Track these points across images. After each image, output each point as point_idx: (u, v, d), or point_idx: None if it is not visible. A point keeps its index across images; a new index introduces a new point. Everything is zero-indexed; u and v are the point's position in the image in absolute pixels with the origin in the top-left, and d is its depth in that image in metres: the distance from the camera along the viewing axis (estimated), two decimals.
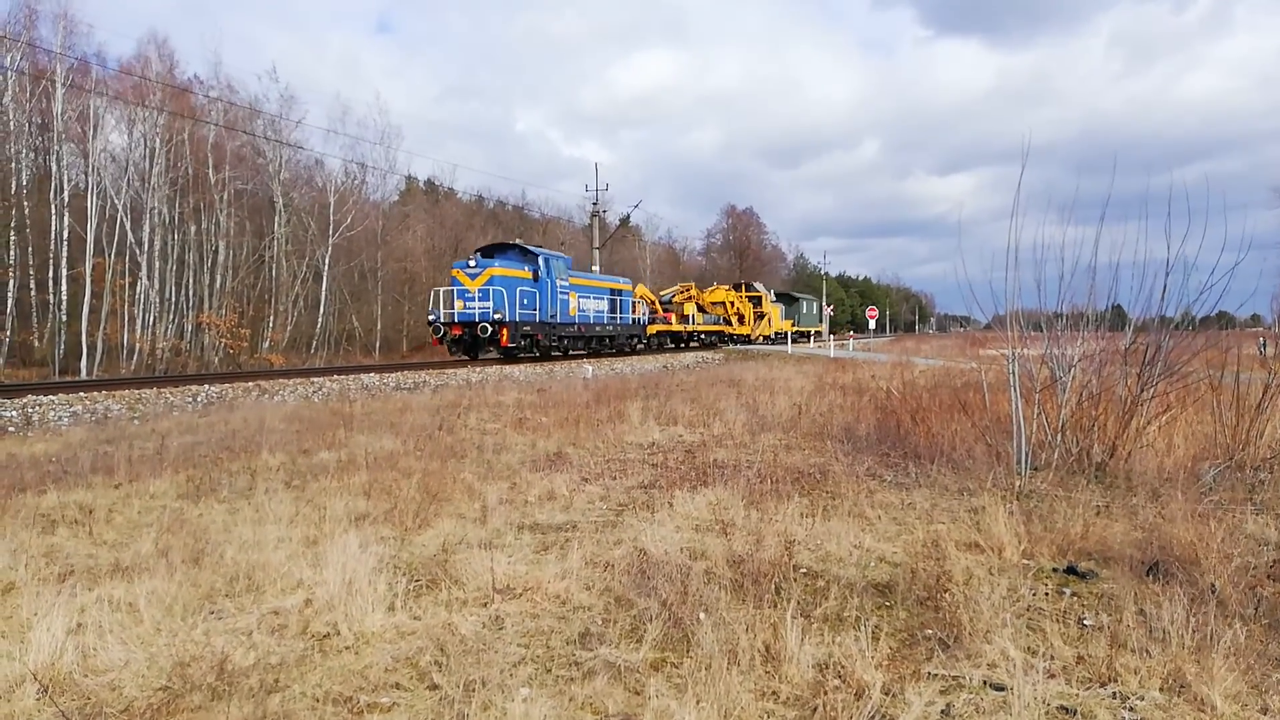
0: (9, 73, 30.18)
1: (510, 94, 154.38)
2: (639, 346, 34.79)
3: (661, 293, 43.22)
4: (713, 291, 46.41)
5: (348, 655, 3.34)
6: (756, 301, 49.17)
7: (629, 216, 62.01)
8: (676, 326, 39.67)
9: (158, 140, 33.34)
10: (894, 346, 43.24)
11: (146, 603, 3.79)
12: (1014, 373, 7.09)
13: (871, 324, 59.75)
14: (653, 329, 36.92)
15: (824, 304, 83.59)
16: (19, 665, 3.11)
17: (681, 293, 42.90)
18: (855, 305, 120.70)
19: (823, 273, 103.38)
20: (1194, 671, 3.01)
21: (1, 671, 3.11)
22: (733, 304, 46.23)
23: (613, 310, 31.90)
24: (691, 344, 41.68)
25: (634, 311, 34.20)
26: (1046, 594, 4.05)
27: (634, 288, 37.24)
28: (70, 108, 31.51)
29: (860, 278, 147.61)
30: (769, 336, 50.21)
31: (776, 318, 52.15)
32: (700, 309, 42.88)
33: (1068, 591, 4.08)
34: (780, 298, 58.08)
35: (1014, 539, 4.71)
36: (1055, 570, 4.41)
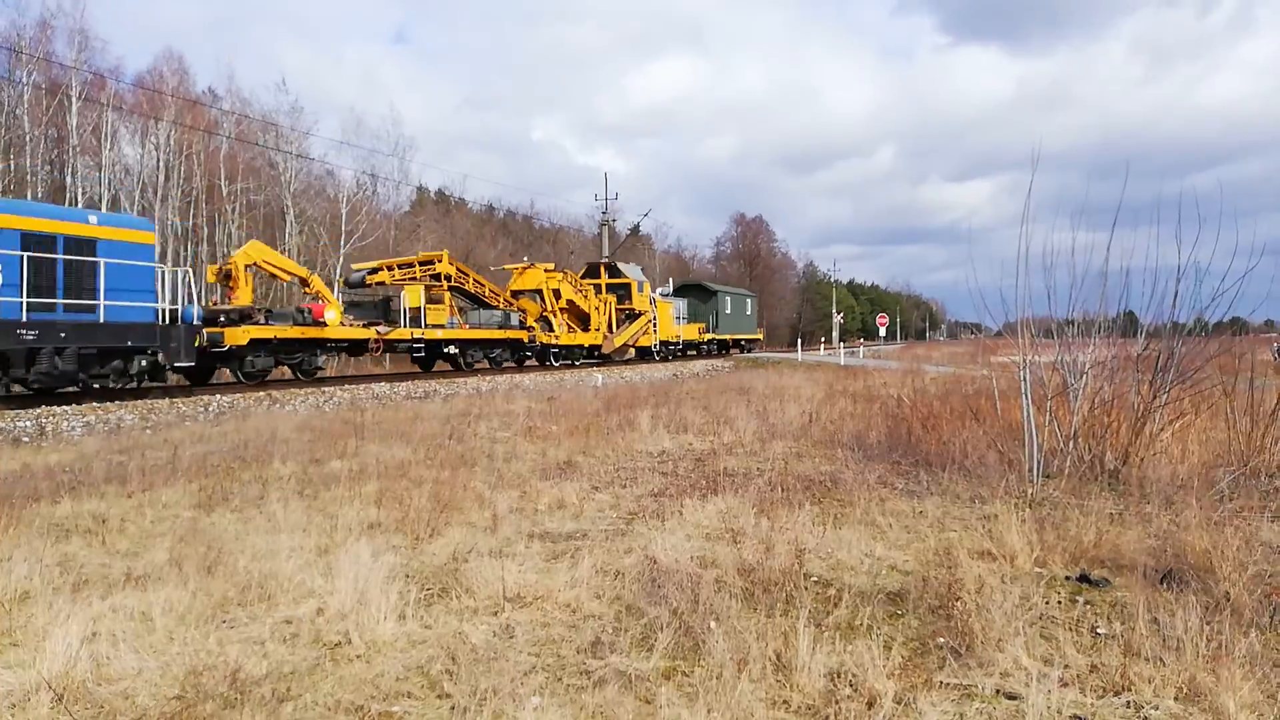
0: (24, 87, 30.53)
1: (528, 104, 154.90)
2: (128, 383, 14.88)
3: (356, 267, 23.90)
4: (522, 274, 28.45)
5: (359, 664, 3.34)
6: (621, 294, 32.80)
7: (639, 226, 60.83)
8: (341, 331, 19.28)
9: (171, 153, 33.64)
10: (904, 354, 43.12)
11: (160, 612, 3.81)
12: (1025, 379, 7.06)
13: (882, 331, 54.91)
14: (243, 336, 16.69)
15: (833, 312, 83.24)
16: (34, 674, 3.13)
17: (406, 270, 22.69)
18: (865, 312, 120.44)
19: (833, 280, 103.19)
20: (1209, 681, 2.98)
21: (17, 680, 3.13)
22: (557, 294, 28.33)
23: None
24: (454, 367, 24.21)
25: (150, 288, 15.16)
26: (1059, 602, 4.03)
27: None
28: (85, 121, 31.86)
29: (870, 285, 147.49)
30: (653, 349, 34.39)
31: (667, 320, 35.82)
32: (476, 301, 25.57)
33: (1081, 600, 4.05)
34: (685, 291, 43.08)
35: (1026, 547, 4.68)
36: (1068, 578, 4.38)
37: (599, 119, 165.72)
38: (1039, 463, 6.82)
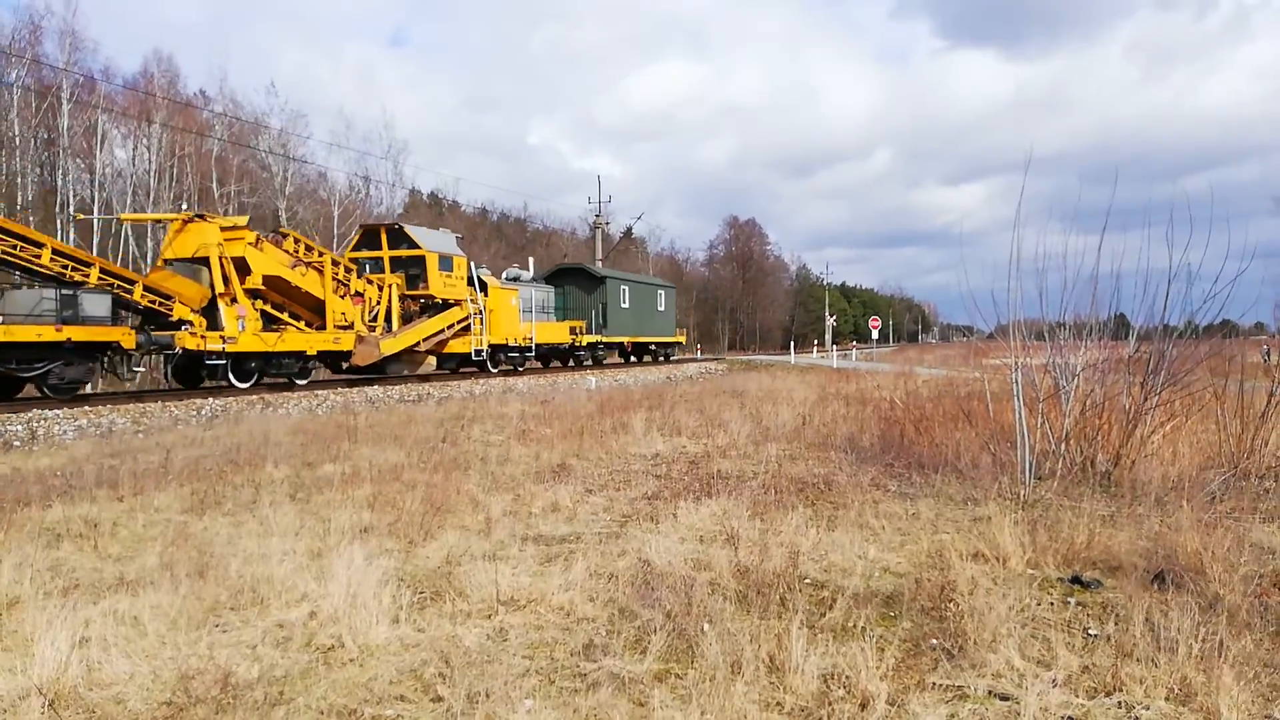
0: (14, 88, 30.41)
1: (526, 107, 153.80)
2: None
3: None
4: (179, 233, 17.65)
5: (352, 668, 3.33)
6: (414, 272, 22.38)
7: (631, 229, 60.59)
8: None
9: (162, 155, 33.54)
10: (896, 356, 43.21)
11: (151, 616, 3.80)
12: (1017, 382, 7.08)
13: (874, 334, 54.47)
14: None
15: (825, 315, 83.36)
16: (24, 679, 3.12)
17: None
18: (858, 315, 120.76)
19: (825, 283, 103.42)
20: (1200, 681, 2.99)
21: (7, 685, 3.12)
22: (243, 266, 17.54)
23: None
24: None
25: None
26: (1052, 603, 4.04)
27: None
28: (76, 123, 31.74)
29: (863, 288, 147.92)
30: (476, 355, 23.73)
31: (507, 315, 25.10)
32: (28, 273, 14.34)
33: (1073, 601, 4.07)
34: (560, 277, 31.72)
35: (1019, 548, 4.69)
36: (1060, 580, 4.39)
37: (597, 122, 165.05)
38: (1031, 465, 6.84)
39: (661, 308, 37.05)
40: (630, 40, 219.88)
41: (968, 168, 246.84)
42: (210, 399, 15.64)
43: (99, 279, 15.19)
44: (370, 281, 20.98)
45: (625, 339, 33.16)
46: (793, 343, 58.38)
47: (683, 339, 41.89)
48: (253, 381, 17.96)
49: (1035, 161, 7.44)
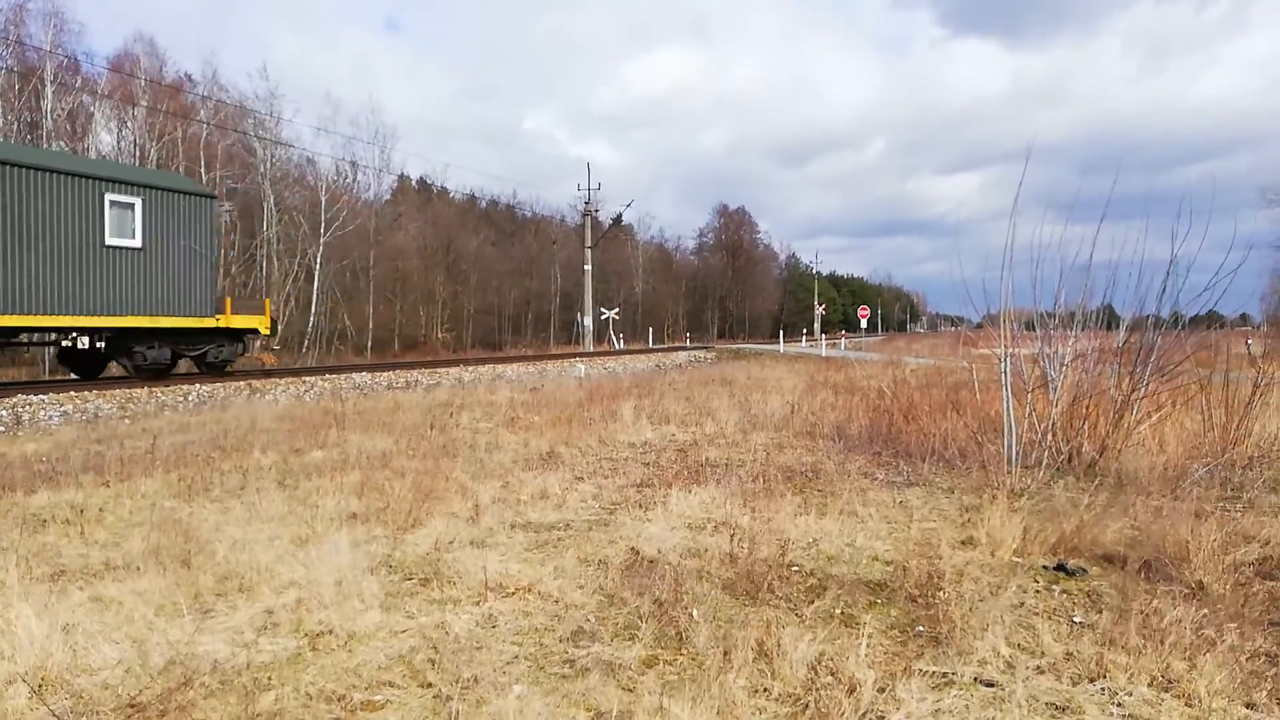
0: None
1: (524, 95, 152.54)
2: None
3: None
4: None
5: (340, 654, 3.33)
6: None
7: (620, 216, 60.03)
8: None
9: (148, 139, 33.21)
10: (885, 346, 43.30)
11: (138, 602, 3.78)
12: (1006, 371, 7.12)
13: (863, 323, 53.99)
14: None
15: (814, 304, 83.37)
16: (9, 665, 3.10)
17: None
18: (847, 304, 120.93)
19: (815, 272, 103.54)
20: (1182, 668, 3.03)
21: None
22: None
23: None
24: None
25: None
26: (1037, 591, 4.08)
27: None
28: (60, 106, 31.36)
29: (853, 277, 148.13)
30: None
31: None
32: None
33: (1058, 589, 4.11)
34: None
35: (1005, 537, 4.73)
36: (1046, 568, 4.43)
37: (594, 110, 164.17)
38: (1018, 454, 6.89)
39: (133, 240, 16.17)
40: (631, 27, 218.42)
41: (962, 157, 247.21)
42: (197, 385, 15.55)
43: None
44: None
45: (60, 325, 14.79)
46: (781, 331, 58.45)
47: (260, 324, 19.28)
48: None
49: (1032, 151, 7.45)
